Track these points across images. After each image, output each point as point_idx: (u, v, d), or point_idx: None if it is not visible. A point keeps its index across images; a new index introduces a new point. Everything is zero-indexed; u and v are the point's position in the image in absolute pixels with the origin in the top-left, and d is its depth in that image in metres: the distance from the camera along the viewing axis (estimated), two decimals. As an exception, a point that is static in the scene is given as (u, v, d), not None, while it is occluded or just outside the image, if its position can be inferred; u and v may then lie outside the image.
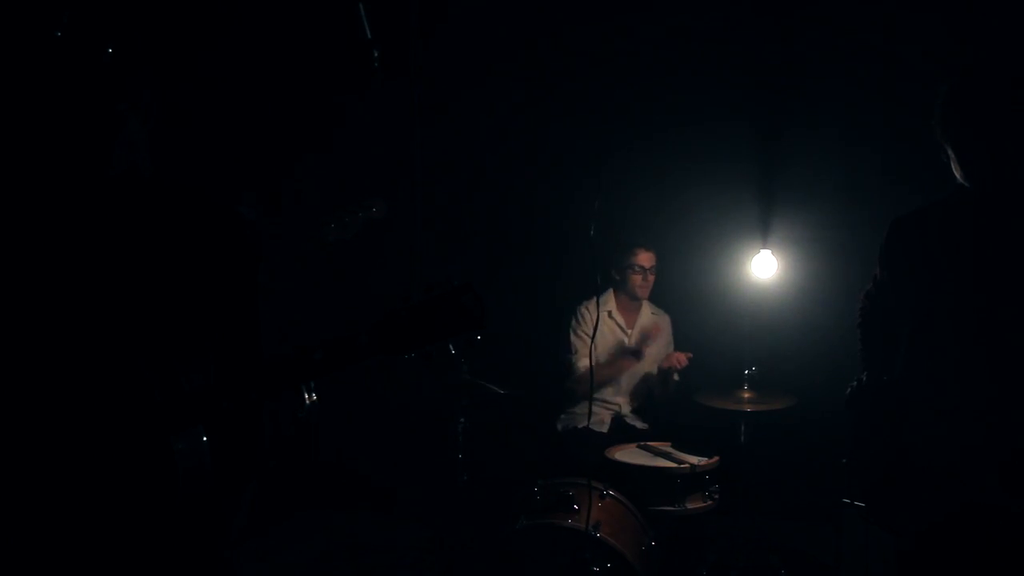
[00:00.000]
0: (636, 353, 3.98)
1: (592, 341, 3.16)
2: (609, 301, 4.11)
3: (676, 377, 4.01)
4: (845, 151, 3.90)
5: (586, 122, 4.05)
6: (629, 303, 4.10)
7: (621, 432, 3.95)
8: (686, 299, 4.25)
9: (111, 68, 1.53)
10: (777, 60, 3.91)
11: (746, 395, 3.60)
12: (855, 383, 2.35)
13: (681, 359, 3.94)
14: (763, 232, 4.03)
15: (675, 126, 4.14)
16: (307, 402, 2.36)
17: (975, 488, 2.07)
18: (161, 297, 1.58)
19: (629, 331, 4.08)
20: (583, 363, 3.99)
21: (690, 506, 3.38)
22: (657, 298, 4.18)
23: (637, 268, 3.99)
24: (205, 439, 1.52)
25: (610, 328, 4.07)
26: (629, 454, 3.59)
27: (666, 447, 3.65)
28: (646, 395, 4.10)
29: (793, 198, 4.00)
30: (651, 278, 4.03)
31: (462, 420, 3.40)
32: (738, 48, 3.96)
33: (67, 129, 1.54)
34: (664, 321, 4.16)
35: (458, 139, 4.14)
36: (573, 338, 4.04)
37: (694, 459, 3.44)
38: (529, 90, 4.12)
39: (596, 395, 3.91)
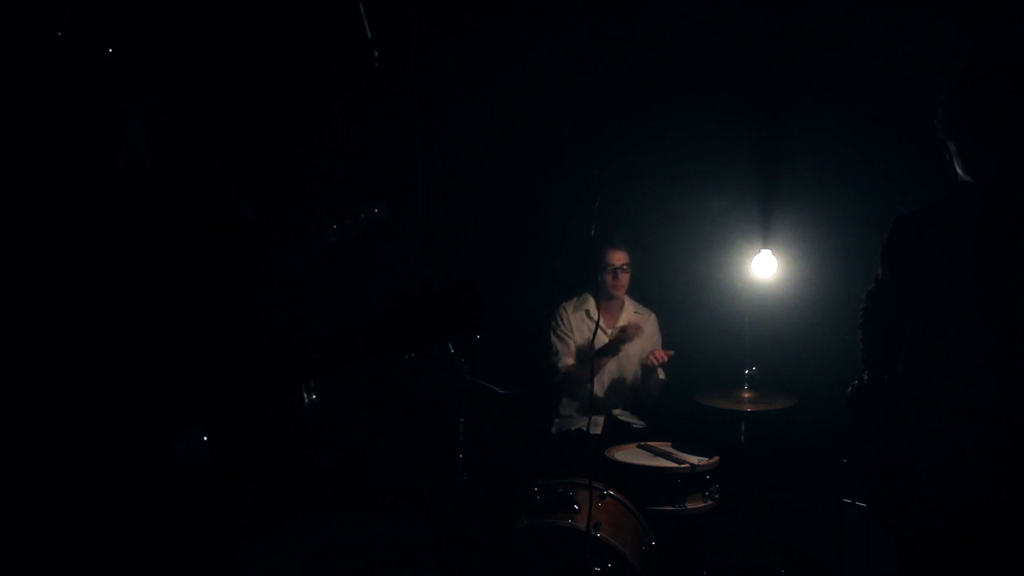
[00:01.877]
0: (611, 350, 3.93)
1: (593, 342, 3.15)
2: (588, 301, 4.09)
3: (661, 375, 3.99)
4: (846, 151, 3.90)
5: (587, 122, 4.05)
6: (606, 303, 4.05)
7: (616, 432, 3.95)
8: (686, 299, 4.25)
9: (112, 68, 1.53)
10: (778, 60, 3.91)
11: (746, 395, 3.60)
12: (856, 382, 2.34)
13: (660, 355, 3.91)
14: (763, 232, 4.02)
15: (676, 126, 4.14)
16: (306, 401, 2.36)
17: (978, 486, 2.07)
18: (162, 296, 1.58)
19: (609, 330, 4.06)
20: (564, 362, 4.00)
21: (690, 506, 3.37)
22: (657, 297, 4.18)
23: (607, 267, 3.96)
24: (205, 439, 1.52)
25: (589, 327, 4.04)
26: (629, 454, 3.59)
27: (666, 447, 3.65)
28: (630, 394, 4.09)
29: (793, 198, 4.00)
30: (623, 276, 3.99)
31: (462, 420, 3.40)
32: (740, 48, 3.96)
33: (69, 129, 1.54)
34: (648, 320, 4.13)
35: (459, 139, 4.14)
36: (554, 339, 4.06)
37: (694, 459, 3.44)
38: (530, 90, 4.12)
39: (583, 399, 3.90)
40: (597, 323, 3.46)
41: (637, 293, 4.16)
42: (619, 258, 3.98)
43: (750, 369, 3.64)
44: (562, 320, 4.07)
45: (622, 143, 4.02)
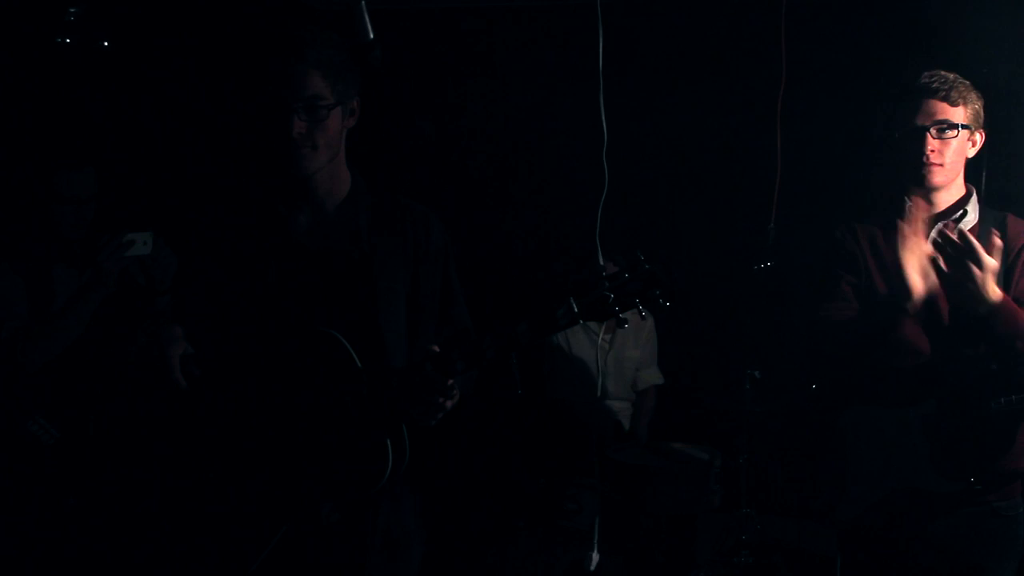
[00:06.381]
0: None
1: (606, 347, 3.11)
2: None
3: (659, 379, 4.00)
4: (847, 149, 3.90)
5: (588, 121, 4.04)
6: None
7: (616, 432, 3.95)
8: (687, 298, 4.23)
9: None
10: (779, 59, 3.90)
11: (747, 395, 3.60)
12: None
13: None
14: (763, 231, 4.00)
15: (677, 123, 4.13)
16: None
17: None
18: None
19: (606, 336, 4.04)
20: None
21: (691, 505, 3.37)
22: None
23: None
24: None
25: (585, 332, 3.99)
26: (630, 454, 3.59)
27: (667, 446, 3.65)
28: (631, 389, 4.07)
29: (794, 195, 3.98)
30: None
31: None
32: (741, 46, 3.95)
33: None
34: (645, 325, 4.08)
35: (459, 140, 4.13)
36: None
37: (694, 459, 3.44)
38: (530, 88, 4.11)
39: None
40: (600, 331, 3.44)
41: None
42: (610, 270, 3.89)
43: (751, 369, 3.64)
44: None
45: (623, 141, 4.00)
